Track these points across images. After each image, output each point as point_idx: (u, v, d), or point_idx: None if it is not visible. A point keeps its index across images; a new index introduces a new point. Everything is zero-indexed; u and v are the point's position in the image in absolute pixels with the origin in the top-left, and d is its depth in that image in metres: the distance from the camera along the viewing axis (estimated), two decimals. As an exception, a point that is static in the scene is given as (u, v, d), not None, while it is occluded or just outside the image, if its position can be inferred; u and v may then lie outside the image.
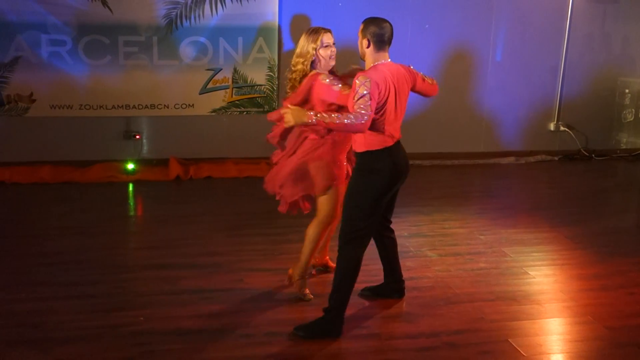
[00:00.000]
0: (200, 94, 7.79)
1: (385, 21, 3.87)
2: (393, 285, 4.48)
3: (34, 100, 7.35)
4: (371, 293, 4.49)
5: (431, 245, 5.49)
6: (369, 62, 3.88)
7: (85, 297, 4.36)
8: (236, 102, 7.91)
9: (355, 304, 4.29)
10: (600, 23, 8.78)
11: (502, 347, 3.87)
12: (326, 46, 4.20)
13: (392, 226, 4.38)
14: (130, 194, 7.14)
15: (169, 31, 7.53)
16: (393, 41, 3.92)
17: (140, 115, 7.68)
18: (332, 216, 4.32)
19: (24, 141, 7.49)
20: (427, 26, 8.11)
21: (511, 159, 8.67)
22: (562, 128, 8.84)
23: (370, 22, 3.85)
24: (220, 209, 6.48)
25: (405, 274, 4.76)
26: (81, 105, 7.46)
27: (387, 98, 3.78)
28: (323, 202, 4.28)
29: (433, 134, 8.45)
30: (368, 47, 3.83)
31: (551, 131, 8.88)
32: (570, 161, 8.79)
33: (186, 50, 7.63)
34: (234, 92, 7.86)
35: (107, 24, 7.31)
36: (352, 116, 3.61)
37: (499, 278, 4.86)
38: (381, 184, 3.88)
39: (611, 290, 4.69)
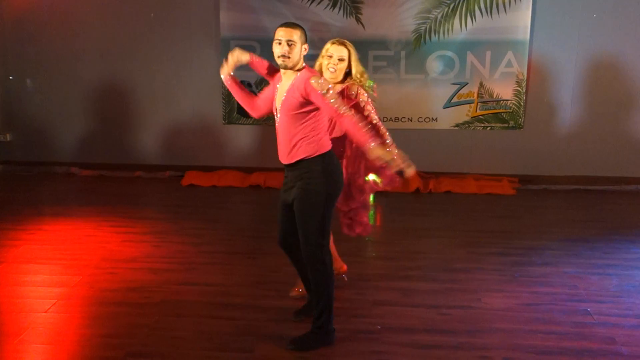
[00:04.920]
0: (444, 108, 7.81)
1: None
2: None
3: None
4: (303, 314, 4.29)
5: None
6: (299, 66, 3.87)
7: (327, 300, 4.56)
8: (480, 117, 7.80)
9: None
10: None
11: None
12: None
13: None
14: (370, 204, 7.34)
15: (417, 45, 7.66)
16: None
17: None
18: None
19: (275, 149, 8.03)
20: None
21: None
22: None
23: (304, 29, 3.93)
24: (459, 224, 6.42)
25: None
26: (330, 116, 7.86)
27: None
28: None
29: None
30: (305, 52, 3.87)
31: None
32: None
33: (432, 64, 7.71)
34: (478, 106, 7.76)
35: (359, 39, 7.59)
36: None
37: None
38: (338, 186, 3.93)
39: None
